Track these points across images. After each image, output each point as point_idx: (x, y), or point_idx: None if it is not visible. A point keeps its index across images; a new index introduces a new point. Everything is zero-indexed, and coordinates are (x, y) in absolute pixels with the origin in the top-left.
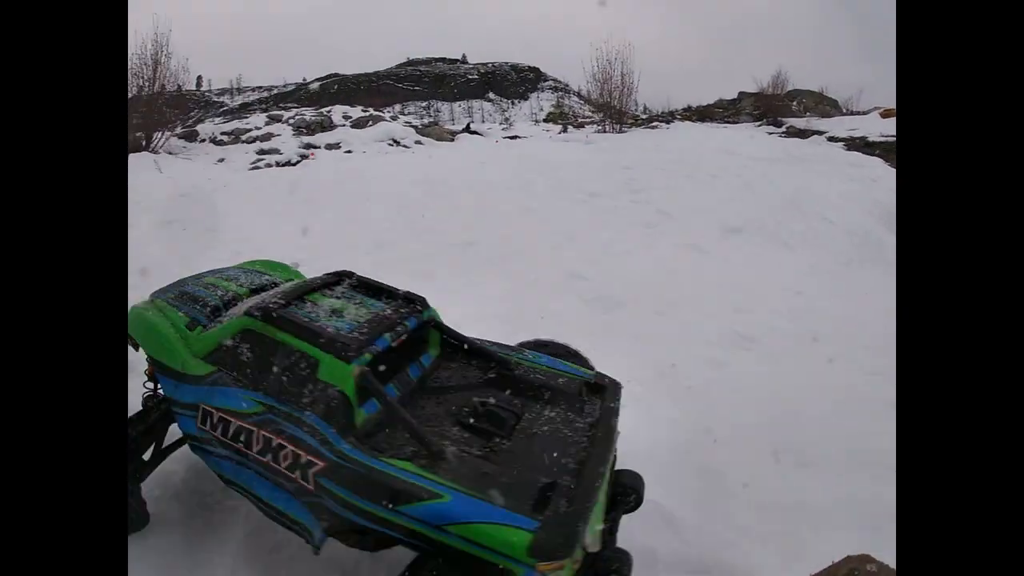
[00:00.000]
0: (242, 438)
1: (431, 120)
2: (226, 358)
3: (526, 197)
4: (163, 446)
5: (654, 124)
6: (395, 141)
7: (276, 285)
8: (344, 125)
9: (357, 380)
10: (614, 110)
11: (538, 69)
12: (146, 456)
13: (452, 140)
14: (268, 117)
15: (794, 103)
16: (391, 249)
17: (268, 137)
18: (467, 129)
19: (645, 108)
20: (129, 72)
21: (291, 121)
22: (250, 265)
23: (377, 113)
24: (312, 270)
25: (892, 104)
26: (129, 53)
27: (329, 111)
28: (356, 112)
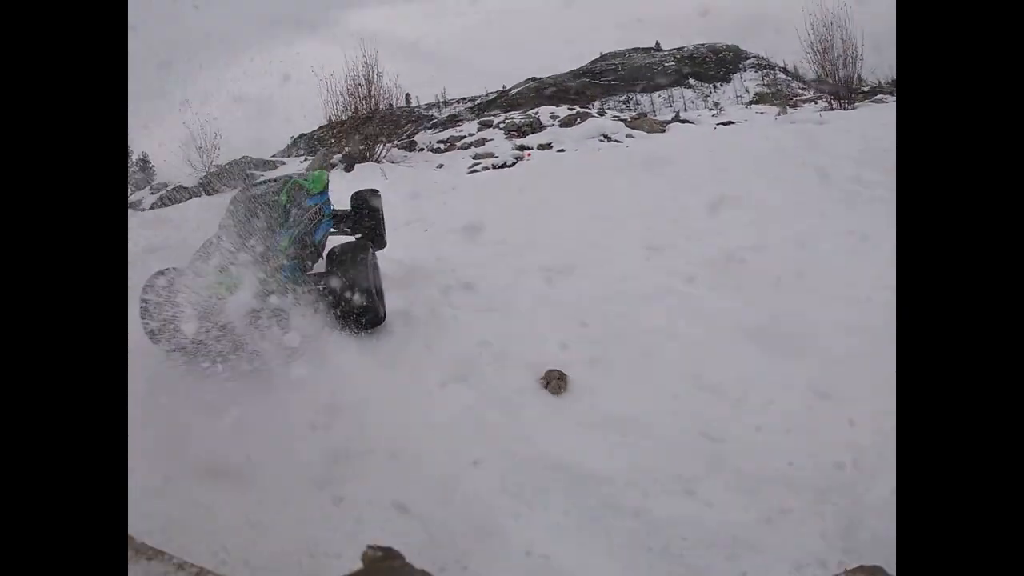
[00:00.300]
0: None
1: (637, 113)
2: None
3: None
4: None
5: (879, 97)
6: (606, 136)
7: None
8: (553, 125)
9: None
10: (840, 83)
11: (737, 47)
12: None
13: (663, 131)
14: (480, 123)
15: None
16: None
17: (482, 142)
18: (677, 118)
19: (860, 79)
20: (345, 92)
21: (501, 125)
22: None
23: (584, 110)
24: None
25: None
26: (342, 76)
27: (536, 112)
28: (563, 111)
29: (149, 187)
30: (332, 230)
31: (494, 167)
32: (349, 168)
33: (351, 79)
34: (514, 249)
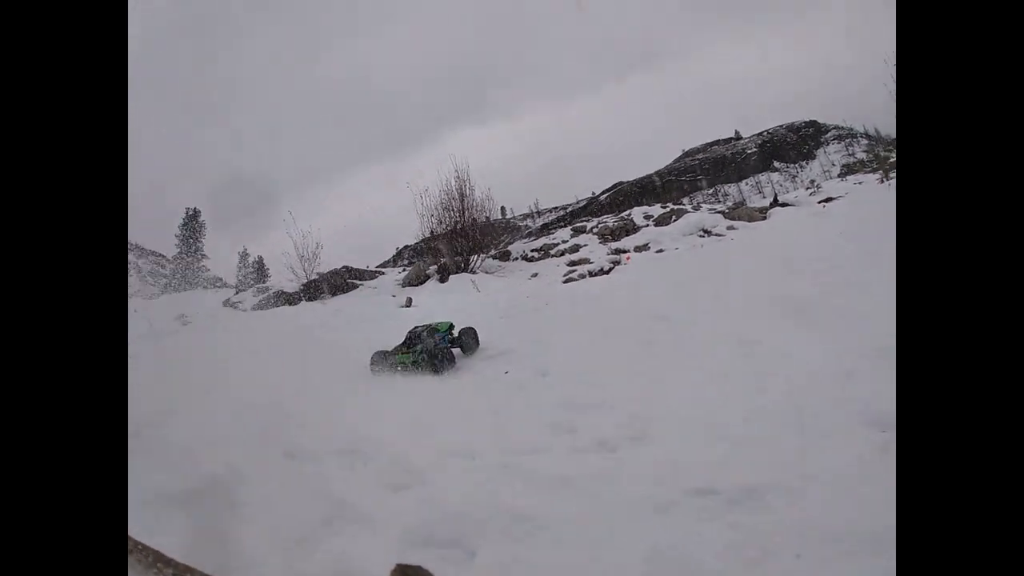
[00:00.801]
0: None
1: (734, 203)
2: None
3: None
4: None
5: None
6: (705, 231)
7: None
8: (647, 225)
9: None
10: None
11: (816, 122)
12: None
13: (764, 217)
14: (572, 230)
15: None
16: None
17: (576, 248)
18: (775, 203)
19: None
20: (439, 206)
21: (595, 230)
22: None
23: (679, 207)
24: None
25: None
26: (436, 191)
27: (629, 214)
28: (656, 210)
29: (254, 287)
30: (450, 344)
31: (590, 274)
32: (443, 279)
33: (444, 193)
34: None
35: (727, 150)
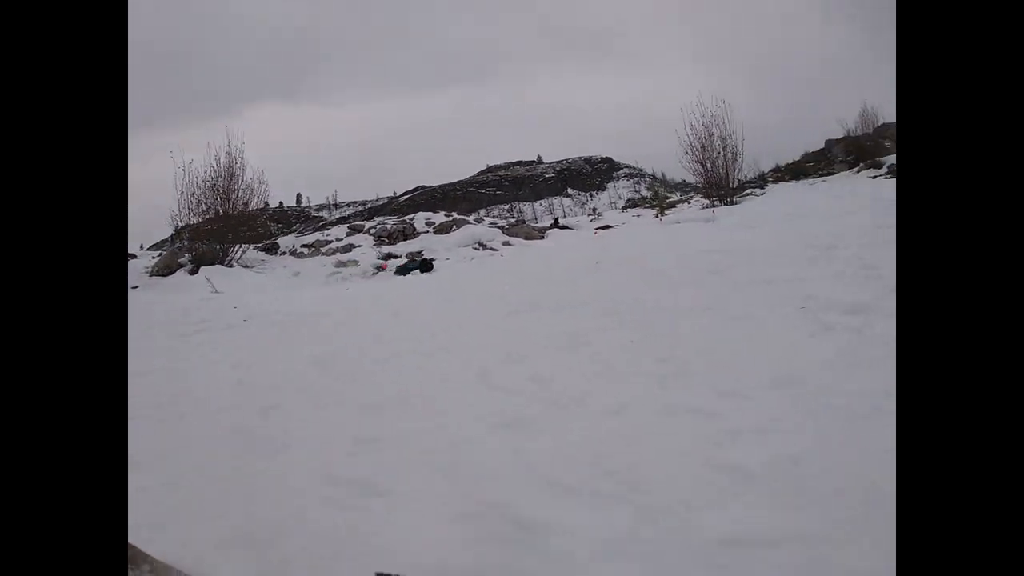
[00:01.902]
0: None
1: (516, 220)
2: None
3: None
4: None
5: (748, 191)
6: (481, 244)
7: None
8: (427, 232)
9: None
10: (720, 180)
11: (611, 159)
12: None
13: (542, 237)
14: (349, 228)
15: (887, 141)
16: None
17: (348, 248)
18: (555, 224)
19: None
20: (204, 184)
21: (372, 231)
22: None
23: (461, 217)
24: None
25: None
26: (203, 167)
27: (412, 218)
28: (439, 218)
29: None
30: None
31: (352, 278)
32: (194, 271)
33: (212, 170)
34: None
35: (527, 171)
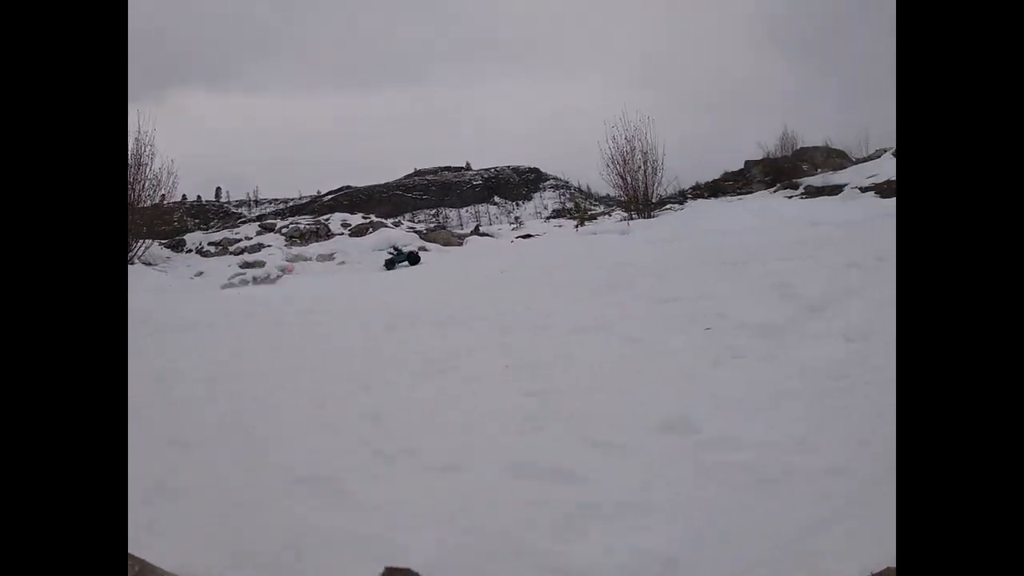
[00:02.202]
0: None
1: (435, 224)
2: None
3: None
4: None
5: (668, 207)
6: (396, 249)
7: None
8: (343, 233)
9: None
10: (640, 193)
11: (538, 169)
12: None
13: (461, 244)
14: (260, 226)
15: (803, 164)
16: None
17: (257, 248)
18: (476, 231)
19: (656, 191)
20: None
21: (284, 230)
22: None
23: (378, 220)
24: None
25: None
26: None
27: (327, 219)
28: (356, 219)
29: None
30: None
31: (255, 280)
32: None
33: None
34: None
35: (455, 177)
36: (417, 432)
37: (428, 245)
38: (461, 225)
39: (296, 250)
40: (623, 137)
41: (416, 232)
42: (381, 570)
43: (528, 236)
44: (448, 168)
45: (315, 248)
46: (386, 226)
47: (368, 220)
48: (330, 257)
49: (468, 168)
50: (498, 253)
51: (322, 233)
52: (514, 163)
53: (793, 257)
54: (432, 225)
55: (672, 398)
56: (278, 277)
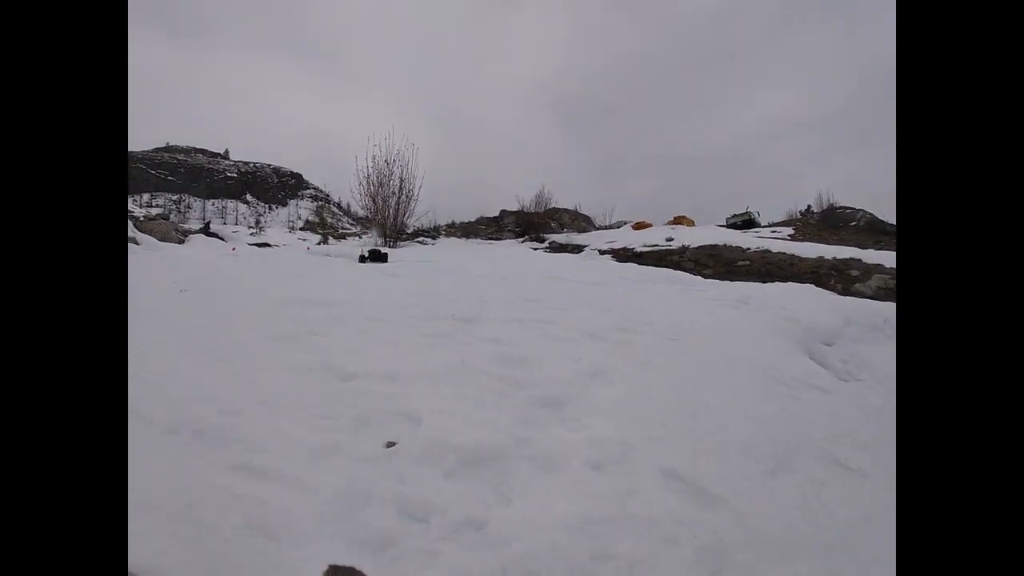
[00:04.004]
0: None
1: (162, 212)
2: None
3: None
4: None
5: (420, 239)
6: None
7: None
8: None
9: None
10: (390, 220)
11: (300, 176)
12: None
13: (182, 241)
14: None
15: (553, 222)
16: None
17: None
18: (206, 229)
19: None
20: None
21: None
22: None
23: None
24: None
25: (638, 218)
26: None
27: None
28: None
29: None
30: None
31: None
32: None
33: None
34: None
35: (209, 163)
36: None
37: (140, 237)
38: (204, 217)
39: None
40: (384, 159)
41: (133, 218)
42: (325, 568)
43: (266, 245)
44: (204, 151)
45: None
46: None
47: None
48: None
49: (226, 156)
50: (203, 261)
51: None
52: (277, 163)
53: (512, 301)
54: (155, 212)
55: None
56: None
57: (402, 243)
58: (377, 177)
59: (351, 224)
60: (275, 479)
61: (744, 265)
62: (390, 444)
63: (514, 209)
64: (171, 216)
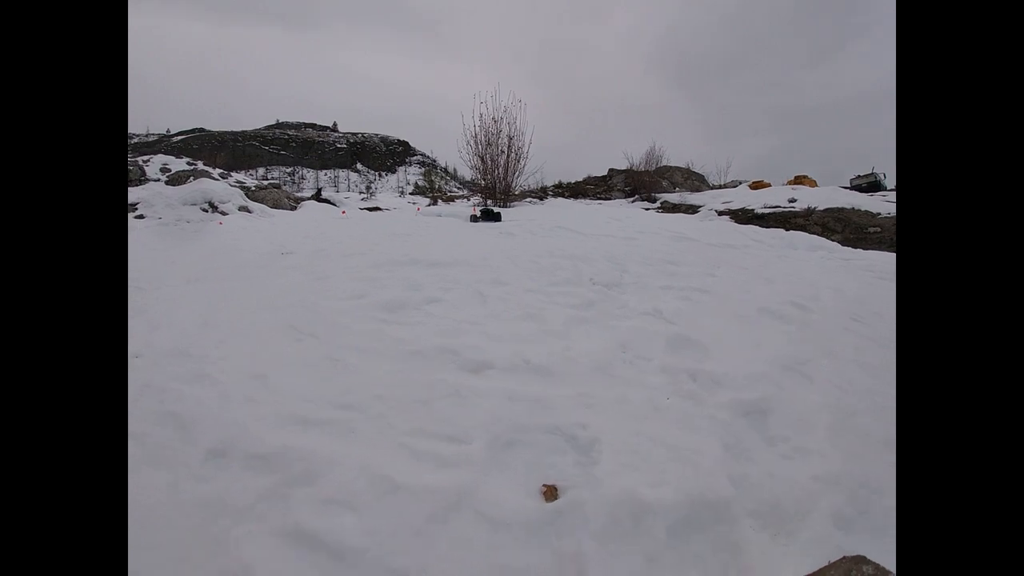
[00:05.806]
0: None
1: (274, 181)
2: None
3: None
4: None
5: (528, 199)
6: (212, 205)
7: None
8: (159, 179)
9: None
10: (500, 180)
11: (407, 143)
12: None
13: (293, 208)
14: None
15: (664, 180)
16: None
17: None
18: (318, 196)
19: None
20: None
21: None
22: None
23: (204, 168)
24: None
25: (754, 177)
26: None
27: (147, 160)
28: (180, 164)
29: None
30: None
31: None
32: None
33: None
34: None
35: (319, 136)
36: None
37: (252, 205)
38: (319, 187)
39: None
40: (491, 116)
41: (244, 188)
42: None
43: (377, 209)
44: (314, 125)
45: None
46: (211, 177)
47: (193, 167)
48: (133, 207)
49: (335, 129)
50: (307, 225)
51: (135, 177)
52: (384, 132)
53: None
54: (267, 182)
55: None
56: None
57: (512, 203)
58: (485, 136)
59: (458, 187)
60: None
61: (875, 233)
62: (550, 492)
63: (623, 168)
64: (284, 186)
